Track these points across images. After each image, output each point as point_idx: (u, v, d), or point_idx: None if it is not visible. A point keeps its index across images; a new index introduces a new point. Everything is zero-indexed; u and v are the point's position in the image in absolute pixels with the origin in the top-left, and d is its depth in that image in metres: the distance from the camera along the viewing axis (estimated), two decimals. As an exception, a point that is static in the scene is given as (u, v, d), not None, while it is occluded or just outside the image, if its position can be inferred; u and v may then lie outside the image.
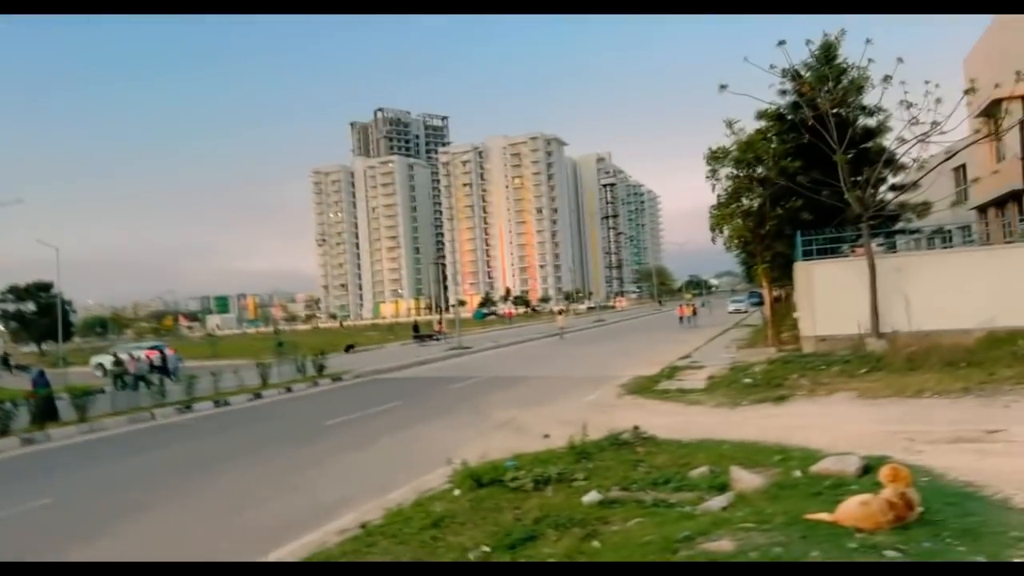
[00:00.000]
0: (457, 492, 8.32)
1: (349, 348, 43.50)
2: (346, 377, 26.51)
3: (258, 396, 22.31)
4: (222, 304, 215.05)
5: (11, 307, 75.34)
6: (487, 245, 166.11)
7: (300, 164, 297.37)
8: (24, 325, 76.67)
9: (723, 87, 19.07)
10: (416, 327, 53.85)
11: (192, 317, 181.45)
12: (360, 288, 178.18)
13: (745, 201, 23.14)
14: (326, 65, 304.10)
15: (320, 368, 26.63)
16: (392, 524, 7.41)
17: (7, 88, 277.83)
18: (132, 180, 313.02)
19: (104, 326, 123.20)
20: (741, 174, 22.52)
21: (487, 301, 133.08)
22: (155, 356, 30.29)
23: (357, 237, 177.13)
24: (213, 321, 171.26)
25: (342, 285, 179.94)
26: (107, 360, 38.54)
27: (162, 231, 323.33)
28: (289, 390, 23.61)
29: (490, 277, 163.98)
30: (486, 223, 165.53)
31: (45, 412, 18.13)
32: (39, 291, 75.20)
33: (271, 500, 9.82)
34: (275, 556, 7.18)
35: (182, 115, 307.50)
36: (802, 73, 20.81)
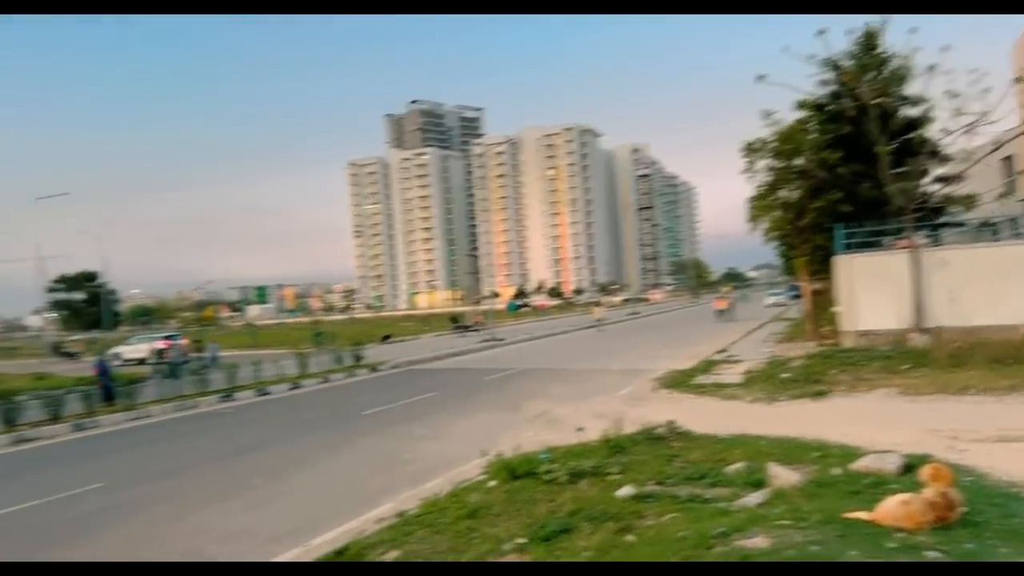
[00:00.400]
0: (492, 483, 8.42)
1: (385, 338, 44.00)
2: (383, 367, 26.86)
3: (297, 386, 22.74)
4: (261, 294, 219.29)
5: (61, 296, 77.95)
6: (521, 237, 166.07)
7: (339, 155, 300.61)
8: (73, 313, 79.33)
9: (760, 77, 18.81)
10: (455, 318, 54.27)
11: (233, 307, 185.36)
12: (395, 279, 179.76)
13: (783, 193, 22.78)
14: (363, 57, 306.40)
15: (357, 358, 27.02)
16: (428, 514, 7.54)
17: (53, 82, 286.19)
18: (174, 172, 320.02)
19: (148, 315, 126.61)
20: (779, 166, 22.17)
21: (520, 293, 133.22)
22: (172, 345, 31.25)
23: (392, 228, 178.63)
24: (253, 311, 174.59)
25: (378, 276, 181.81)
26: (125, 350, 39.76)
27: (204, 221, 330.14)
28: (327, 380, 24.01)
29: (524, 269, 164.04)
30: (520, 215, 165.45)
31: (107, 397, 18.92)
32: (86, 281, 77.73)
33: (310, 488, 10.05)
34: (317, 543, 7.37)
35: (223, 108, 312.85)
36: (843, 63, 20.38)
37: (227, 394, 20.70)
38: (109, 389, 19.36)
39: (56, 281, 75.46)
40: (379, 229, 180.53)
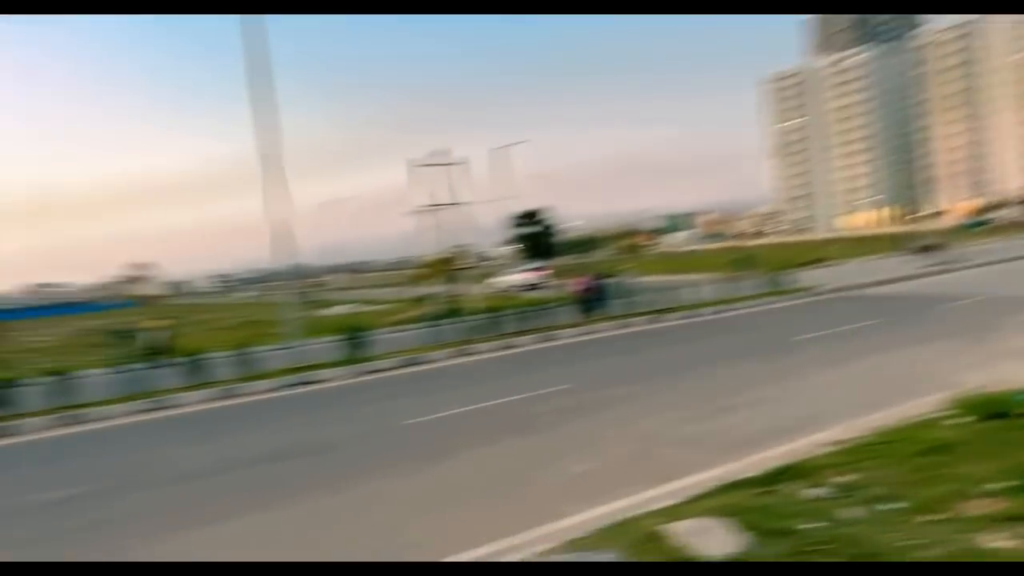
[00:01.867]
0: (953, 421, 7.61)
1: (811, 263, 41.56)
2: (810, 293, 25.62)
3: (722, 310, 23.24)
4: (679, 222, 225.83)
5: (517, 231, 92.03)
6: (979, 140, 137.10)
7: (752, 76, 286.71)
8: (526, 245, 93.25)
9: None
10: (914, 238, 47.09)
11: (655, 234, 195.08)
12: (819, 199, 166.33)
13: None
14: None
15: (782, 283, 26.26)
16: (880, 444, 7.23)
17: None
18: (603, 110, 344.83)
19: (586, 244, 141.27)
20: None
21: (984, 208, 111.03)
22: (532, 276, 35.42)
23: (815, 144, 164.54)
24: (674, 238, 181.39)
25: (799, 197, 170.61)
26: (501, 280, 45.18)
27: (630, 155, 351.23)
28: (752, 305, 23.95)
29: (983, 179, 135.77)
30: (978, 113, 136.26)
31: (589, 310, 23.12)
32: (536, 217, 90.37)
33: (747, 406, 10.38)
34: (758, 458, 7.66)
35: (644, 45, 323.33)
36: None
37: (656, 316, 22.26)
38: (594, 303, 23.41)
39: (513, 217, 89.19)
40: (800, 146, 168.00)
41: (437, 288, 31.49)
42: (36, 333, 51.31)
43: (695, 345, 17.40)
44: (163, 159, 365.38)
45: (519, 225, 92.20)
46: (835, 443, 7.63)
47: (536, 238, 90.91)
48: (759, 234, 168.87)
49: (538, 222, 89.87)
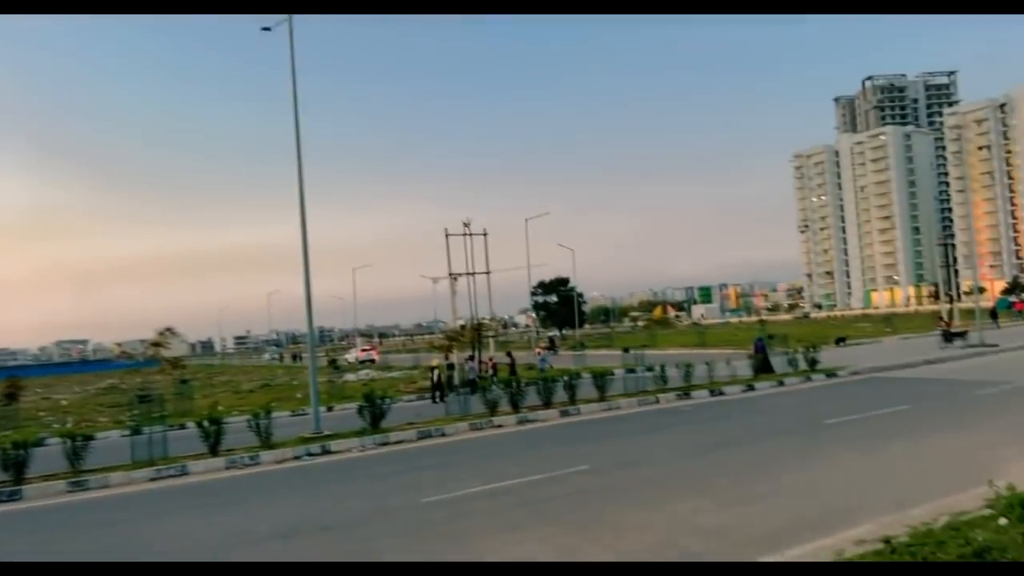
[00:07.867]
0: (1003, 521, 7.10)
1: (840, 341, 40.72)
2: (841, 373, 24.92)
3: (751, 388, 22.66)
4: (705, 294, 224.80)
5: (539, 299, 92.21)
6: (1014, 219, 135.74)
7: (780, 148, 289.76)
8: (549, 313, 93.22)
9: None
10: (941, 317, 41.43)
11: (678, 307, 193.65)
12: (848, 275, 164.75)
13: None
14: (807, 41, 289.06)
15: (812, 362, 25.63)
16: (921, 545, 6.71)
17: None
18: (626, 177, 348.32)
19: (606, 315, 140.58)
20: None
21: (1016, 287, 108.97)
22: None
23: (844, 220, 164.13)
24: (698, 311, 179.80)
25: (827, 273, 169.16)
26: (348, 355, 50.83)
27: (653, 226, 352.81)
28: (781, 383, 23.35)
29: (1019, 258, 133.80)
30: (1012, 191, 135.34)
31: (762, 369, 25.15)
32: (559, 286, 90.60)
33: (776, 495, 9.88)
34: (793, 553, 7.19)
35: (668, 110, 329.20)
36: None
37: (684, 392, 21.75)
38: (767, 362, 25.68)
39: (536, 286, 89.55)
40: (828, 222, 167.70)
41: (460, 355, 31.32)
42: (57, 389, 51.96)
43: (720, 425, 16.84)
44: (198, 228, 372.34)
45: (542, 293, 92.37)
46: (863, 541, 7.15)
47: (558, 306, 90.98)
48: (786, 308, 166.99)
49: (560, 291, 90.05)
